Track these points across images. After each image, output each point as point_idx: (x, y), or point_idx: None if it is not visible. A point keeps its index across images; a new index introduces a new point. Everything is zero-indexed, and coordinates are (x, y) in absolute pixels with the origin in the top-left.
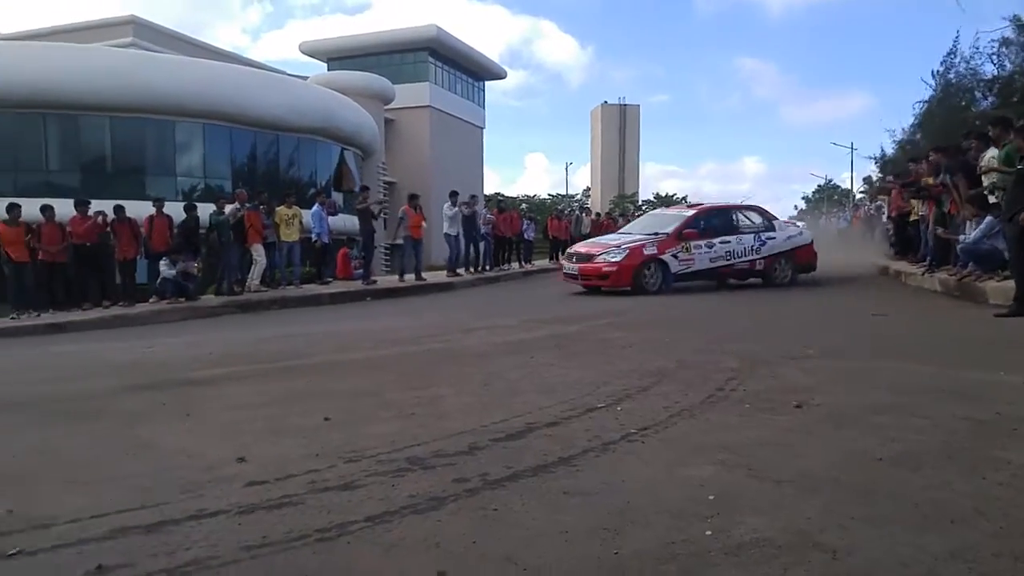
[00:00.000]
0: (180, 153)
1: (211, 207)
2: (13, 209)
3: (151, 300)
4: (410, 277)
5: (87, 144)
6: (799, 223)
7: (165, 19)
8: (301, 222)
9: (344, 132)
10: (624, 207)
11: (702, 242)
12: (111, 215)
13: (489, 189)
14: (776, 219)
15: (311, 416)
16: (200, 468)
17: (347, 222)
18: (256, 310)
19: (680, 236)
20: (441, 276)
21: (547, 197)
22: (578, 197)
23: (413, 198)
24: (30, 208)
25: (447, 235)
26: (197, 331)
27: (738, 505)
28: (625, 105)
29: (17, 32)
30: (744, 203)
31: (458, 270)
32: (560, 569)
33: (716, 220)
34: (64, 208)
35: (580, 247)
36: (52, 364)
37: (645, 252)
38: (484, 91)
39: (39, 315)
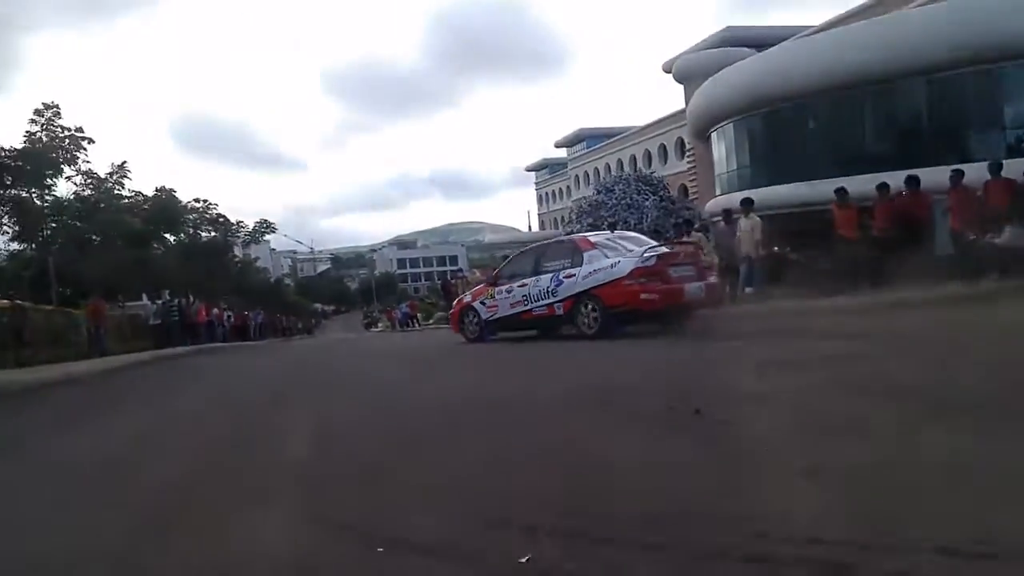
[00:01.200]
0: (1008, 102)
1: None
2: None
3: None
4: None
5: (902, 111)
6: (640, 249)
7: None
8: None
9: None
10: None
11: (504, 287)
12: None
13: None
14: (593, 251)
15: None
16: None
17: None
18: None
19: (491, 280)
20: None
21: None
22: None
23: None
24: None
25: None
26: None
27: None
28: None
29: (823, 23)
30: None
31: None
32: None
33: (524, 261)
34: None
35: None
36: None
37: (464, 299)
38: None
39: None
